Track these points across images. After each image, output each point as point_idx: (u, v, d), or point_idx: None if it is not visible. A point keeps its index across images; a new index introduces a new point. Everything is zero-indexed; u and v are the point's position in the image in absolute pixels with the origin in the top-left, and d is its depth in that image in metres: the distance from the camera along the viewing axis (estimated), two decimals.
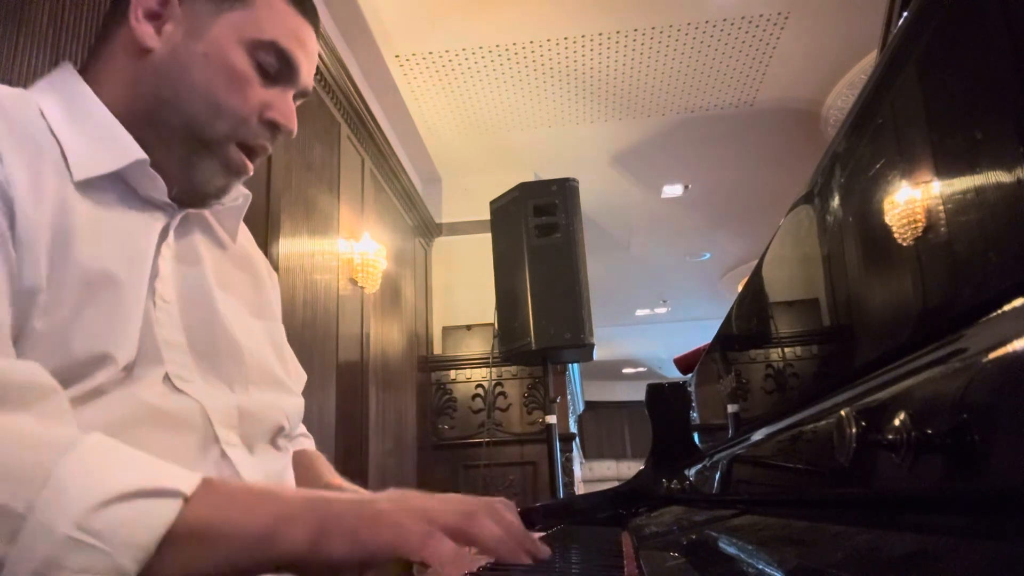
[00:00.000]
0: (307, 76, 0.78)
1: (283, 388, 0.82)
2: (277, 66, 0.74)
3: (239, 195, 0.81)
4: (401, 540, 0.49)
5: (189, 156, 0.71)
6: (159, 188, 0.70)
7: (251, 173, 0.77)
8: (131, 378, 0.63)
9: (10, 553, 0.43)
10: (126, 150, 0.67)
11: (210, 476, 0.51)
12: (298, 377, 0.90)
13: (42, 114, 0.65)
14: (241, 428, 0.72)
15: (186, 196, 0.74)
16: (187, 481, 0.49)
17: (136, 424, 0.62)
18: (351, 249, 2.98)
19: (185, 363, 0.69)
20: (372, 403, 3.09)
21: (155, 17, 0.71)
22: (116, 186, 0.68)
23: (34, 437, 0.47)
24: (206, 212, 0.79)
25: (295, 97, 0.78)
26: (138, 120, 0.70)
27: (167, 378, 0.66)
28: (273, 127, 0.75)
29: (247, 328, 0.78)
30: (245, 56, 0.72)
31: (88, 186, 0.64)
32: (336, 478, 0.90)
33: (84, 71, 0.73)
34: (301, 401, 0.88)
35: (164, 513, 0.46)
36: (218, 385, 0.72)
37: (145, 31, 0.70)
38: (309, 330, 2.50)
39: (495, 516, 0.55)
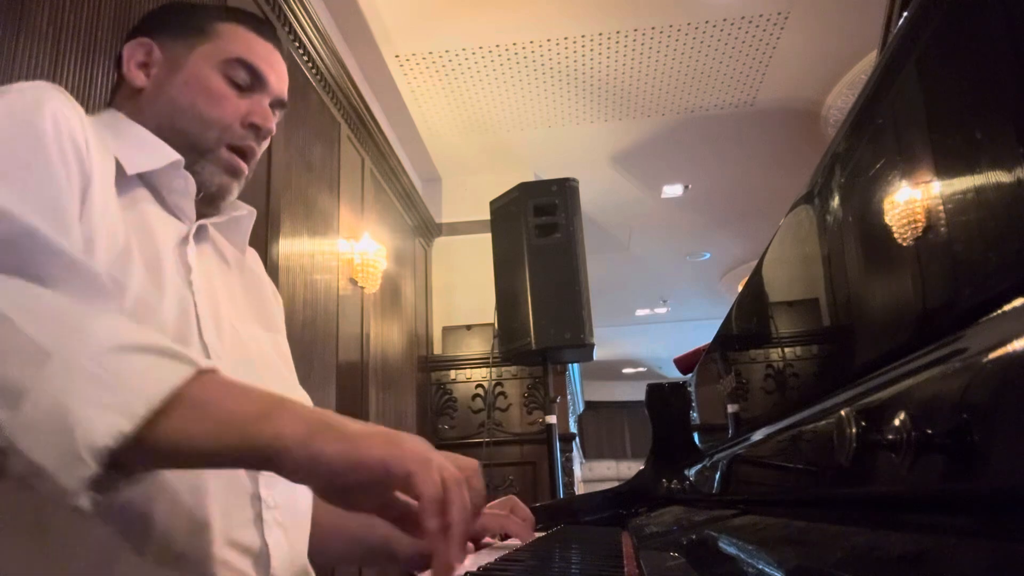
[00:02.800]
0: (278, 85, 0.90)
1: (292, 391, 0.88)
2: (247, 78, 0.87)
3: (244, 208, 0.91)
4: (394, 456, 0.51)
5: (191, 163, 0.83)
6: (190, 189, 0.81)
7: (246, 171, 0.89)
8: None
9: (35, 382, 0.48)
10: (165, 153, 0.80)
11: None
12: (298, 389, 0.93)
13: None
14: None
15: (197, 201, 0.84)
16: (202, 359, 0.54)
17: None
18: (351, 249, 2.98)
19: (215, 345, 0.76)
20: (372, 403, 3.09)
21: (143, 66, 0.86)
22: (148, 195, 0.79)
23: (79, 307, 0.54)
24: (216, 232, 0.89)
25: (273, 106, 0.90)
26: None
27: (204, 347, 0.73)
28: (255, 128, 0.87)
29: (254, 335, 0.86)
30: (218, 76, 0.85)
31: (128, 187, 0.75)
32: None
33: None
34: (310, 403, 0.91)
35: (176, 373, 0.51)
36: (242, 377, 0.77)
37: (136, 76, 0.86)
38: (309, 330, 2.50)
39: (473, 489, 0.56)
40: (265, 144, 0.90)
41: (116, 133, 0.80)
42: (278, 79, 0.90)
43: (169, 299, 0.71)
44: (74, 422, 0.47)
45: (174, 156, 0.79)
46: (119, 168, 0.74)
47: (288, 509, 0.76)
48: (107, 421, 0.47)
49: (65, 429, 0.47)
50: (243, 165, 0.88)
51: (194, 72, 0.85)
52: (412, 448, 0.52)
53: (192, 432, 0.50)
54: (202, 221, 0.84)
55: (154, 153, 0.79)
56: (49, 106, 0.66)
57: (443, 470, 0.52)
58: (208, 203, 0.86)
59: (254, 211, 0.93)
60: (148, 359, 0.51)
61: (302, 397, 0.88)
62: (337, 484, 0.51)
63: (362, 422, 0.55)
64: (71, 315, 0.52)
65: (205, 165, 0.84)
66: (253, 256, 0.97)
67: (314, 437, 0.50)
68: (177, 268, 0.76)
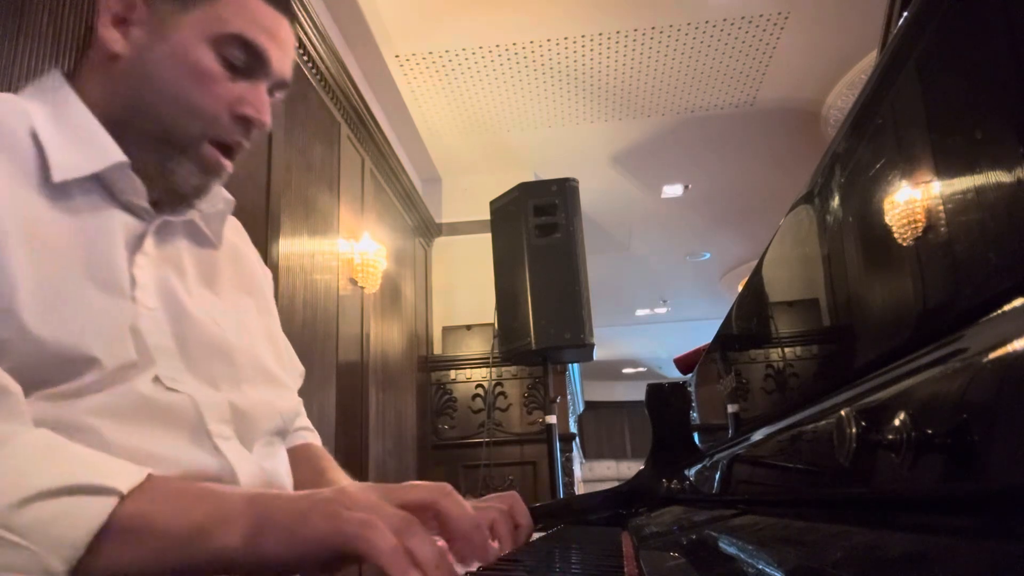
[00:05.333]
0: (280, 66, 0.75)
1: (278, 385, 0.82)
2: (245, 59, 0.72)
3: (220, 200, 0.80)
4: (336, 531, 0.46)
5: (165, 159, 0.71)
6: (139, 191, 0.70)
7: (229, 170, 0.76)
8: (123, 379, 0.63)
9: None
10: (106, 153, 0.67)
11: (155, 473, 0.50)
12: (294, 369, 0.90)
13: (29, 118, 0.65)
14: (235, 423, 0.72)
15: (165, 198, 0.73)
16: (126, 478, 0.48)
17: (129, 418, 0.62)
18: (351, 249, 2.98)
19: (175, 366, 0.68)
20: (372, 403, 3.09)
21: (122, 23, 0.70)
22: (92, 194, 0.67)
23: None
24: (193, 215, 0.78)
25: (272, 89, 0.76)
26: (115, 125, 0.69)
27: (157, 379, 0.66)
28: (245, 122, 0.73)
29: (239, 326, 0.78)
30: (211, 53, 0.70)
31: (63, 193, 0.64)
32: (338, 473, 0.89)
33: (71, 77, 0.72)
34: (297, 400, 0.88)
35: (97, 510, 0.46)
36: (207, 385, 0.72)
37: (112, 37, 0.70)
38: (309, 330, 2.50)
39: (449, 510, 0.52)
40: (255, 135, 0.77)
41: (54, 116, 0.67)
42: (281, 58, 0.75)
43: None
44: None
45: (117, 158, 0.67)
46: (47, 168, 0.63)
47: None
48: None
49: None
50: (226, 163, 0.74)
51: (182, 44, 0.69)
52: (352, 516, 0.47)
53: (128, 561, 0.46)
54: (167, 218, 0.73)
55: (92, 152, 0.66)
56: None
57: (392, 519, 0.47)
58: (178, 202, 0.74)
59: (232, 201, 0.82)
60: (59, 505, 0.45)
61: (285, 387, 0.82)
62: (297, 572, 0.48)
63: (303, 494, 0.51)
64: None
65: (182, 162, 0.71)
66: (237, 231, 0.87)
67: (255, 541, 0.47)
68: (116, 286, 0.66)
